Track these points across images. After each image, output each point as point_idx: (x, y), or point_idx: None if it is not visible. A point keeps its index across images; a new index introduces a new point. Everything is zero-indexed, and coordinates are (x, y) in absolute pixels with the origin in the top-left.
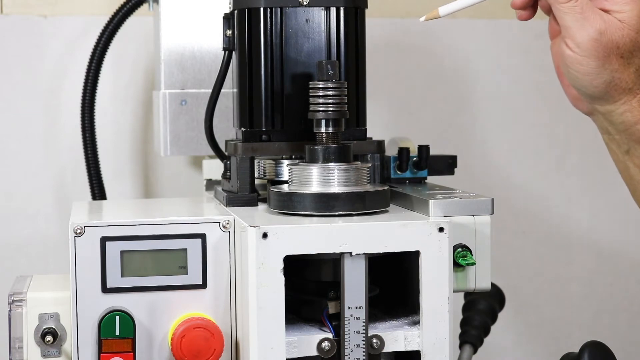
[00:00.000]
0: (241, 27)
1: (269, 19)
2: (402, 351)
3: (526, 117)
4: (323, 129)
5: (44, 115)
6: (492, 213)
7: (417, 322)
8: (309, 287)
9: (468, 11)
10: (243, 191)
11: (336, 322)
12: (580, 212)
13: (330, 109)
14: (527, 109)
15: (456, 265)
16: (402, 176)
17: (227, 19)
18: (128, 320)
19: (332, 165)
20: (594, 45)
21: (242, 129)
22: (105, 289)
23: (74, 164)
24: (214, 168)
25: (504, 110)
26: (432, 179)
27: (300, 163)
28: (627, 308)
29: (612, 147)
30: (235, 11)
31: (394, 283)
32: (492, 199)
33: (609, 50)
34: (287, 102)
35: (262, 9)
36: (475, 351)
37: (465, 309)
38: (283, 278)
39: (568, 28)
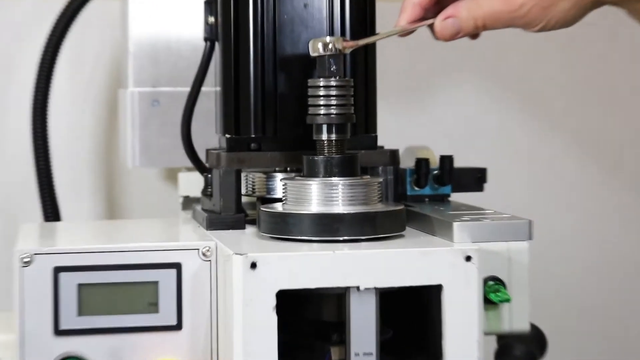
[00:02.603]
0: (226, 12)
1: (259, 3)
2: None
3: (569, 120)
4: (324, 136)
5: None
6: (531, 238)
7: None
8: (308, 329)
9: None
10: (227, 211)
11: None
12: (636, 234)
13: (333, 111)
14: (571, 110)
15: (487, 302)
16: (421, 193)
17: (209, 3)
18: None
19: (335, 179)
20: None
21: (227, 135)
22: (58, 331)
23: (22, 178)
24: (192, 183)
25: (543, 112)
26: (456, 197)
27: (297, 177)
28: None
29: None
30: None
31: (411, 324)
32: (530, 221)
33: None
34: (282, 104)
35: None
36: None
37: (499, 355)
38: (276, 317)
39: None
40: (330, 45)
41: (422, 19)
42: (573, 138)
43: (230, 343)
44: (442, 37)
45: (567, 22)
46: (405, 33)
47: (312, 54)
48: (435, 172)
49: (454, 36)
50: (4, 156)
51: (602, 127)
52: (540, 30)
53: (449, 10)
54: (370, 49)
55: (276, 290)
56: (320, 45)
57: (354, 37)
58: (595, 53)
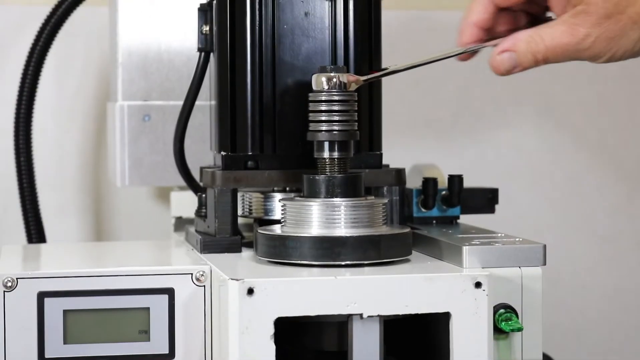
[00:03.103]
0: (222, 21)
1: (257, 12)
2: None
3: (590, 136)
4: (326, 154)
5: None
6: (544, 264)
7: None
8: (308, 359)
9: None
10: (222, 233)
11: None
12: None
13: (336, 128)
14: (591, 125)
15: (497, 331)
16: (428, 215)
17: (204, 11)
18: None
19: (337, 200)
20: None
21: (222, 153)
22: (43, 359)
23: (5, 197)
24: (185, 202)
25: (561, 126)
26: (466, 219)
27: (297, 198)
28: None
29: None
30: (215, 1)
31: (417, 353)
32: (544, 246)
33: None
34: (281, 119)
35: None
36: None
37: None
38: (274, 347)
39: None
40: (334, 80)
41: (484, 39)
42: (592, 158)
43: None
44: (498, 71)
45: (635, 52)
46: (464, 56)
47: (315, 88)
48: (444, 192)
49: (510, 71)
50: None
51: (622, 147)
52: (607, 62)
53: (506, 44)
54: (375, 60)
55: (274, 317)
56: (323, 80)
57: (356, 47)
58: (616, 68)
